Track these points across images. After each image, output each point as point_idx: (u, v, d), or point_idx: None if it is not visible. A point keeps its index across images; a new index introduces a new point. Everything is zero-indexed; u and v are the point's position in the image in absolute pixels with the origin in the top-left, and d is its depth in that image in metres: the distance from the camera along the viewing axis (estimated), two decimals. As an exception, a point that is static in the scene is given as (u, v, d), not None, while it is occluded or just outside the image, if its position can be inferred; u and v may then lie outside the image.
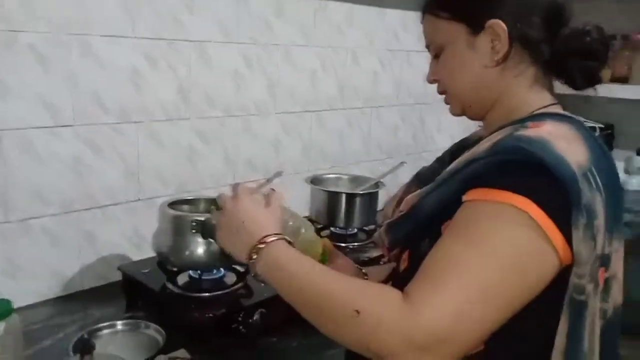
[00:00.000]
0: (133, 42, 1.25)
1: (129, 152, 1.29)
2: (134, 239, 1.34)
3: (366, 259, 1.41)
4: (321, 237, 1.00)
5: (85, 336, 0.98)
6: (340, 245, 1.46)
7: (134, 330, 1.05)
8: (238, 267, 1.21)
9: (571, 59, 0.77)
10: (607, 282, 0.72)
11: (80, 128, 1.20)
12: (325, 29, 1.68)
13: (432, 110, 2.11)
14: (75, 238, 1.24)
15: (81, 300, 1.22)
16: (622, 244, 0.75)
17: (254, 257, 0.78)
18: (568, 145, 0.68)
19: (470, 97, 0.82)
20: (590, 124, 0.77)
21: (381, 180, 1.62)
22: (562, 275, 0.66)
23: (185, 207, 1.23)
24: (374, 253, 1.43)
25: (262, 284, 0.81)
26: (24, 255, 1.16)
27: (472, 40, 0.78)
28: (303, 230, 0.93)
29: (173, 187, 1.39)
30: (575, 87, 0.80)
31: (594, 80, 0.79)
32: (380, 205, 1.64)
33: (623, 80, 2.27)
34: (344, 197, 1.54)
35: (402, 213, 0.83)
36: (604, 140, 0.76)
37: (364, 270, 1.03)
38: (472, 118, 0.86)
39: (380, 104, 1.94)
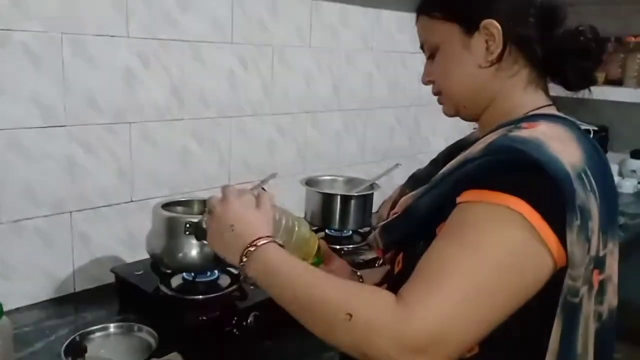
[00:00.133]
0: (126, 42, 1.25)
1: (122, 152, 1.29)
2: (127, 240, 1.33)
3: (361, 261, 1.41)
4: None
5: (77, 339, 0.98)
6: (335, 248, 1.46)
7: (126, 333, 1.04)
8: (232, 270, 1.20)
9: (565, 58, 0.77)
10: (602, 284, 0.72)
11: (73, 128, 1.19)
12: (321, 30, 1.68)
13: (427, 112, 2.11)
14: (67, 239, 1.23)
15: (73, 303, 1.21)
16: (617, 246, 0.75)
17: (245, 260, 0.77)
18: (562, 146, 0.68)
19: (465, 98, 0.82)
20: (584, 126, 0.77)
21: (376, 182, 1.62)
22: (557, 278, 0.66)
23: (179, 208, 1.23)
24: (369, 255, 1.43)
25: (252, 287, 0.80)
26: (15, 256, 1.15)
27: (466, 41, 0.78)
28: (297, 228, 0.92)
29: (167, 189, 1.38)
30: (570, 88, 0.80)
31: (588, 80, 0.79)
32: (375, 207, 1.64)
33: (617, 82, 2.28)
34: (339, 198, 1.54)
35: (396, 215, 0.82)
36: (598, 142, 0.76)
37: (359, 273, 1.02)
38: (466, 119, 0.86)
39: (375, 105, 1.94)
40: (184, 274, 1.18)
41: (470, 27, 0.78)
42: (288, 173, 1.66)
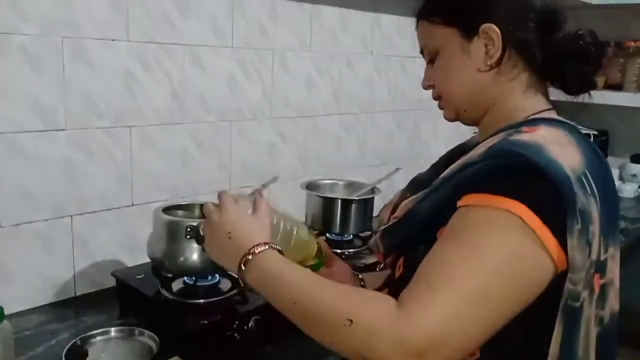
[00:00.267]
0: (126, 46, 1.25)
1: (122, 156, 1.29)
2: (128, 244, 1.33)
3: (362, 265, 1.41)
4: (317, 242, 0.99)
5: (78, 343, 0.98)
6: (336, 252, 1.45)
7: (127, 337, 1.03)
8: (233, 274, 1.20)
9: (565, 62, 0.77)
10: (603, 288, 0.72)
11: (73, 132, 1.19)
12: (321, 35, 1.68)
13: (427, 116, 2.11)
14: (68, 243, 1.23)
15: (74, 307, 1.20)
16: (619, 250, 0.75)
17: (243, 268, 0.77)
18: (562, 150, 0.68)
19: (465, 101, 0.82)
20: (584, 130, 0.77)
21: (377, 186, 1.62)
22: (558, 283, 0.66)
23: (180, 212, 1.23)
24: (370, 259, 1.43)
25: (251, 294, 0.79)
26: (15, 260, 1.15)
27: (466, 45, 0.78)
28: (295, 232, 0.92)
29: (167, 192, 1.38)
30: (570, 92, 0.80)
31: (588, 84, 0.79)
32: (375, 211, 1.64)
33: (617, 87, 2.29)
34: (339, 203, 1.54)
35: (397, 219, 0.82)
36: (598, 147, 0.76)
37: (360, 276, 1.02)
38: (466, 123, 0.86)
39: (375, 109, 1.94)
40: (185, 278, 1.18)
41: (469, 31, 0.78)
42: (288, 177, 1.66)
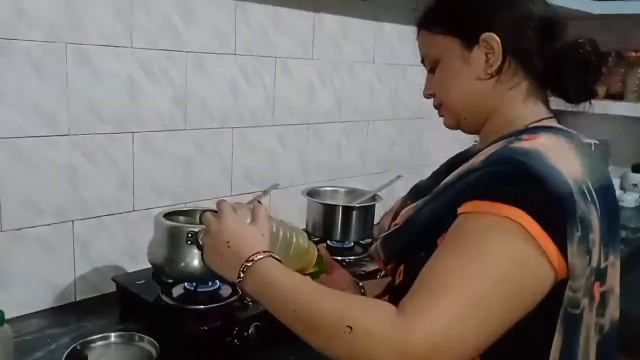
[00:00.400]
0: (130, 52, 1.26)
1: (124, 162, 1.29)
2: (129, 249, 1.33)
3: (363, 272, 1.40)
4: (318, 249, 0.99)
5: (78, 348, 0.97)
6: (337, 259, 1.45)
7: (127, 342, 1.03)
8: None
9: (565, 71, 0.77)
10: (603, 296, 0.72)
11: (76, 137, 1.20)
12: (323, 42, 1.69)
13: (428, 124, 2.12)
14: (69, 248, 1.23)
15: (74, 312, 1.20)
16: (619, 258, 0.75)
17: (242, 277, 0.77)
18: (563, 158, 0.68)
19: (465, 110, 0.83)
20: (586, 139, 0.77)
21: (378, 193, 1.62)
22: (558, 290, 0.66)
23: (181, 218, 1.23)
24: (371, 267, 1.42)
25: (251, 302, 0.79)
26: (17, 265, 1.15)
27: (466, 54, 0.79)
28: (295, 240, 0.92)
29: (169, 198, 1.39)
30: (570, 101, 0.80)
31: (588, 93, 0.79)
32: (376, 218, 1.64)
33: (617, 97, 2.29)
34: (340, 210, 1.54)
35: (397, 226, 0.83)
36: (599, 155, 0.76)
37: (361, 284, 1.02)
38: (467, 131, 0.86)
39: (376, 117, 1.95)
40: (186, 283, 1.18)
41: (470, 40, 0.78)
42: (290, 184, 1.67)
